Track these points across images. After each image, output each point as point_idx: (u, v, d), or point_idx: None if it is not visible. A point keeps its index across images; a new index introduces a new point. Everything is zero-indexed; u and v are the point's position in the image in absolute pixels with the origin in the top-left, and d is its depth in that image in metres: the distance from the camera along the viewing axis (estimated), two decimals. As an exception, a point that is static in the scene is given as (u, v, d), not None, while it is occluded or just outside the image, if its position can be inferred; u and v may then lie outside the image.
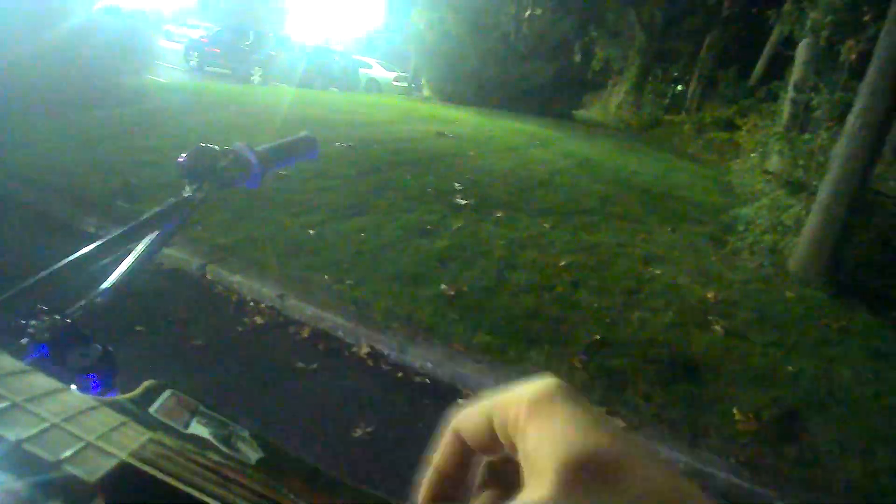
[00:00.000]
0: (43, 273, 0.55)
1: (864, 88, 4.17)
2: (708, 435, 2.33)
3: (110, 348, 0.56)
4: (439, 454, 0.26)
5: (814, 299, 3.94)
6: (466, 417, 0.26)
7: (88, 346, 0.55)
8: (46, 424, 0.25)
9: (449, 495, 0.26)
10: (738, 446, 2.28)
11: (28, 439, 0.23)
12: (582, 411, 0.22)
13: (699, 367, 2.83)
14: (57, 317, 0.55)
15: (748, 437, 2.34)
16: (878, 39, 4.17)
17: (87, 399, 0.31)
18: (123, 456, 0.26)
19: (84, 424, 0.27)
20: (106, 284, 0.62)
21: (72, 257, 0.57)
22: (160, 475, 0.26)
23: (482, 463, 0.27)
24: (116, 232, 0.61)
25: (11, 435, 0.23)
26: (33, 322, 0.54)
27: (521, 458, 0.23)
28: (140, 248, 0.65)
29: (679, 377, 2.71)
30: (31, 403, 0.27)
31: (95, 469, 0.24)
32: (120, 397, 0.44)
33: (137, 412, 0.43)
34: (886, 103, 4.06)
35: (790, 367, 2.93)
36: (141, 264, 0.65)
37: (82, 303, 0.59)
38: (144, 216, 0.65)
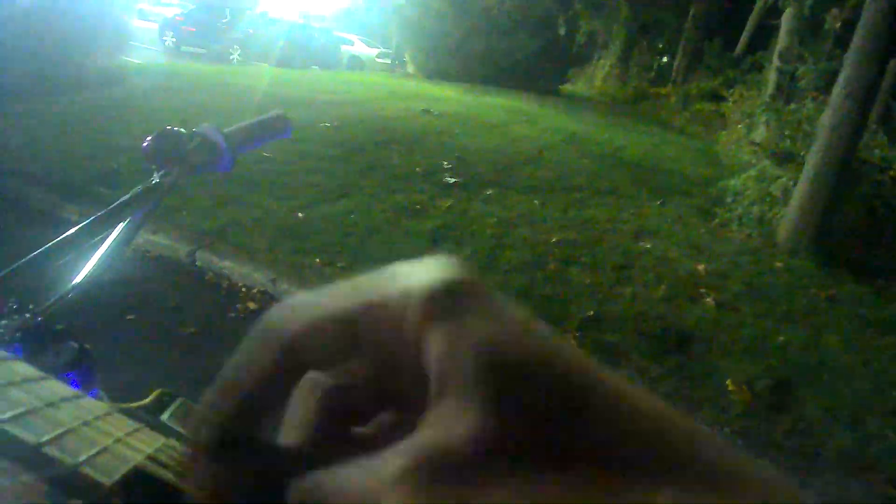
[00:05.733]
0: (9, 268, 0.52)
1: (850, 58, 4.16)
2: (702, 407, 2.36)
3: (87, 345, 0.54)
4: (253, 366, 0.17)
5: (802, 269, 3.99)
6: (310, 318, 0.17)
7: (64, 343, 0.53)
8: (64, 429, 0.26)
9: (252, 421, 0.17)
10: (731, 417, 2.32)
11: (47, 442, 0.24)
12: (505, 310, 0.16)
13: (692, 339, 2.86)
14: (28, 315, 0.52)
15: (741, 408, 2.37)
16: (863, 7, 4.15)
17: (103, 405, 0.32)
18: (139, 459, 0.27)
19: (101, 429, 0.28)
20: (78, 279, 0.60)
21: (39, 251, 0.54)
22: (175, 479, 0.27)
23: (320, 386, 0.19)
24: (84, 222, 0.58)
25: (31, 438, 0.24)
26: (3, 321, 0.51)
27: (402, 374, 0.17)
28: (110, 238, 0.63)
29: (672, 350, 2.74)
30: (50, 408, 0.28)
31: (112, 472, 0.24)
32: (132, 405, 0.43)
33: (150, 419, 0.42)
34: (872, 72, 4.07)
35: (781, 337, 2.97)
36: (112, 255, 0.62)
37: (54, 299, 0.57)
38: (112, 205, 0.62)
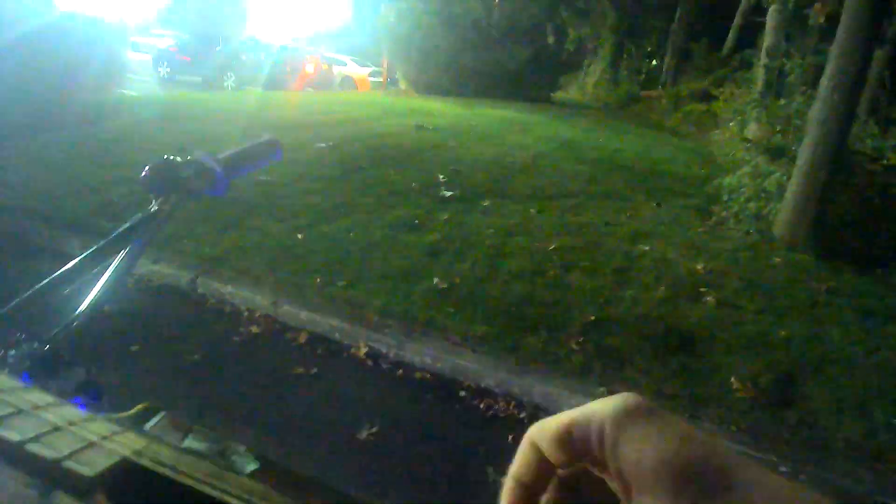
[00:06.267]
0: (16, 300, 0.55)
1: (835, 51, 4.21)
2: (708, 405, 2.36)
3: (93, 371, 0.56)
4: (517, 465, 0.26)
5: (800, 263, 4.00)
6: (544, 430, 0.25)
7: (70, 370, 0.55)
8: (49, 428, 0.27)
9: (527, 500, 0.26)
10: (737, 414, 2.32)
11: (30, 440, 0.25)
12: (674, 423, 0.22)
13: (694, 338, 2.86)
14: (36, 344, 0.54)
15: (747, 405, 2.38)
16: (845, 0, 4.21)
17: (86, 413, 0.33)
18: (125, 453, 0.27)
19: (87, 429, 0.29)
20: (82, 307, 0.62)
21: (44, 282, 0.57)
22: (160, 469, 0.27)
23: (556, 477, 0.27)
24: (87, 252, 0.61)
25: (15, 437, 0.25)
26: (12, 351, 0.53)
27: (611, 473, 0.23)
28: (112, 266, 0.65)
29: (675, 350, 2.74)
30: (36, 411, 0.28)
31: (96, 465, 0.25)
32: (115, 415, 0.44)
33: (133, 428, 0.43)
34: (857, 64, 4.11)
35: (782, 332, 2.97)
36: (115, 282, 0.64)
37: (60, 328, 0.59)
38: (113, 234, 0.64)
